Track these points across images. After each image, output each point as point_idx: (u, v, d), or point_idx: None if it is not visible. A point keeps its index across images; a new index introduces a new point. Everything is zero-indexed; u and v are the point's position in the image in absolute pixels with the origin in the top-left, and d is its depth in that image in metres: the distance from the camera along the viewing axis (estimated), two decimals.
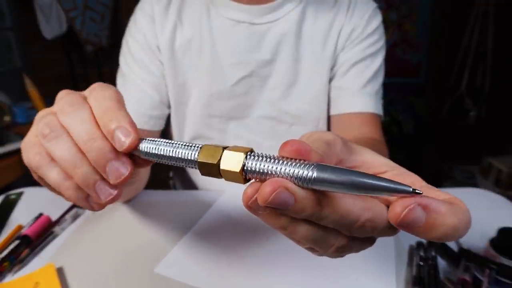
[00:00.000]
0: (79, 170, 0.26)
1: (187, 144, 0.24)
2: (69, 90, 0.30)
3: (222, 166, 0.22)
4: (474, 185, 1.85)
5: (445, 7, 1.91)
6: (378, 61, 0.66)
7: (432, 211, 0.19)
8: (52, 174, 0.27)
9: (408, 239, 0.53)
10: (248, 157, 0.21)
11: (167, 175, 0.88)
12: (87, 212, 0.62)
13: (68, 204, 0.62)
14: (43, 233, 0.56)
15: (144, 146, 0.26)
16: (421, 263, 0.47)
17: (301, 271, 0.46)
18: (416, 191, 0.18)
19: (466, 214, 0.20)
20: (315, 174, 0.19)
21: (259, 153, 0.22)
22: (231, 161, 0.21)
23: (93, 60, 2.15)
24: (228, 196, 0.65)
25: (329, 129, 0.70)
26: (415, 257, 0.48)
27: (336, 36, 0.65)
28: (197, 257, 0.51)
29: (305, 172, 0.19)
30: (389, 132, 2.11)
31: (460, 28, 1.92)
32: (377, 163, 0.24)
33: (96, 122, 0.26)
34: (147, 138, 0.26)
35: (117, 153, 0.26)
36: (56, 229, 0.57)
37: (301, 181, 0.20)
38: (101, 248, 0.53)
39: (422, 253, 0.49)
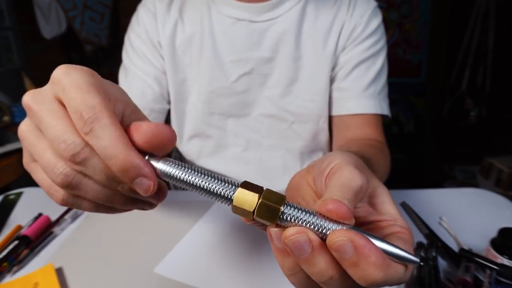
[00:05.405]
0: (115, 203, 0.25)
1: (222, 180, 0.23)
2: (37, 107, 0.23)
3: (256, 217, 0.22)
4: (475, 185, 1.85)
5: (445, 6, 1.90)
6: (380, 61, 0.66)
7: (360, 253, 0.20)
8: (84, 205, 0.26)
9: None
10: (283, 208, 0.22)
11: None
12: (87, 212, 0.62)
13: None
14: (43, 233, 0.56)
15: (176, 173, 0.23)
16: (422, 263, 0.46)
17: None
18: (421, 264, 0.20)
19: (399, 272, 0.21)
20: None
21: (293, 205, 0.22)
22: (267, 212, 0.22)
23: (92, 60, 2.15)
24: None
25: (330, 127, 0.69)
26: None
27: (337, 35, 0.64)
28: (196, 257, 0.51)
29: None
30: (390, 132, 2.10)
31: (460, 27, 1.91)
32: (389, 214, 0.25)
33: (108, 168, 0.22)
34: (176, 164, 0.24)
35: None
36: (56, 229, 0.57)
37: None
38: (101, 248, 0.53)
39: (422, 254, 0.48)
